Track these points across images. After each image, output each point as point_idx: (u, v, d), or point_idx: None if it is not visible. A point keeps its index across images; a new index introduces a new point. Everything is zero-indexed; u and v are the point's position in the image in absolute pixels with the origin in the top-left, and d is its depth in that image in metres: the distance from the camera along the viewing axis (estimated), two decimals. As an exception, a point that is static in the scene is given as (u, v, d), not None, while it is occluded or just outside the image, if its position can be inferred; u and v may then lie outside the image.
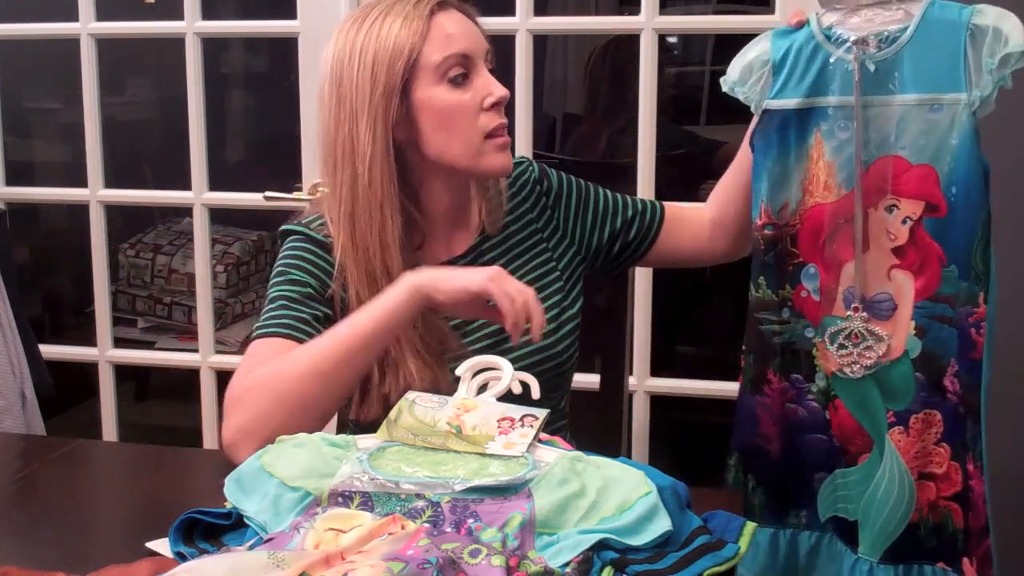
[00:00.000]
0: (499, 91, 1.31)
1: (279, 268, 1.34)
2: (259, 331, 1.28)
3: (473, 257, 1.39)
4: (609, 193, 1.50)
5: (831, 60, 1.30)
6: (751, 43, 1.37)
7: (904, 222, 1.28)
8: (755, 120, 1.35)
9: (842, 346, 1.30)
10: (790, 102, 1.32)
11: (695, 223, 1.50)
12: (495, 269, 1.22)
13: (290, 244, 1.35)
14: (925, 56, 1.25)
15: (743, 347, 1.36)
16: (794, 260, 1.34)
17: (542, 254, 1.43)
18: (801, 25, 1.33)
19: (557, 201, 1.46)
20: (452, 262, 1.38)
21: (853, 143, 1.28)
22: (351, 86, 1.29)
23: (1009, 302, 1.86)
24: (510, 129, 1.41)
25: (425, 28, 1.29)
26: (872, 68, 1.27)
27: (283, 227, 1.39)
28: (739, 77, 1.36)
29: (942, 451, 1.28)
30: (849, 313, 1.30)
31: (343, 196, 1.30)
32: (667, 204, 1.52)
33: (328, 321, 1.30)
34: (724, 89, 1.37)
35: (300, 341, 1.25)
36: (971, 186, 1.24)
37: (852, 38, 1.28)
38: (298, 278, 1.31)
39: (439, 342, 1.30)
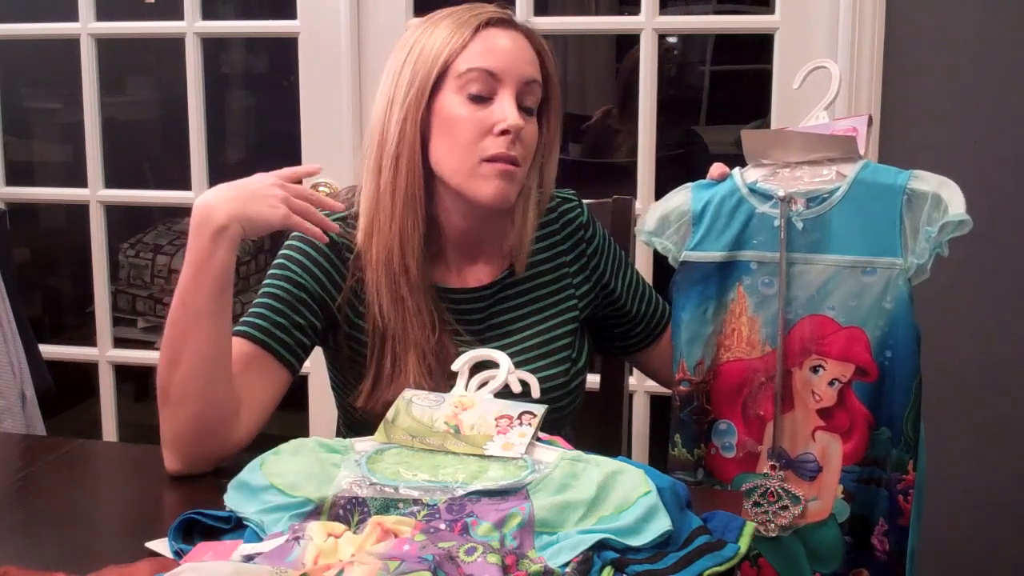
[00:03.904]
0: (512, 120, 1.24)
1: (282, 258, 1.32)
2: (239, 327, 1.27)
3: (498, 290, 1.36)
4: (640, 274, 1.48)
5: (755, 214, 1.27)
6: (671, 193, 1.34)
7: (832, 384, 1.25)
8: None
9: (757, 504, 1.27)
10: (711, 255, 1.29)
11: (669, 357, 1.47)
12: (276, 185, 1.18)
13: (301, 236, 1.32)
14: (857, 217, 1.23)
15: None
16: (707, 417, 1.30)
17: (566, 290, 1.40)
18: (724, 178, 1.30)
19: (596, 252, 1.42)
20: (474, 292, 1.35)
21: (778, 299, 1.25)
22: (392, 79, 1.29)
23: (1010, 302, 1.86)
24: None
25: (468, 38, 1.26)
26: (800, 225, 1.24)
27: None
28: (655, 227, 1.33)
29: None
30: (766, 471, 1.26)
31: (368, 183, 1.30)
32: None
33: (313, 331, 1.29)
34: (640, 239, 1.34)
35: (270, 349, 1.24)
36: (907, 352, 1.22)
37: (780, 194, 1.25)
38: (296, 277, 1.29)
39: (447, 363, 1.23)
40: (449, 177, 1.28)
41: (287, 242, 1.34)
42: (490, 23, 1.28)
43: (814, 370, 1.25)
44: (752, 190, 1.28)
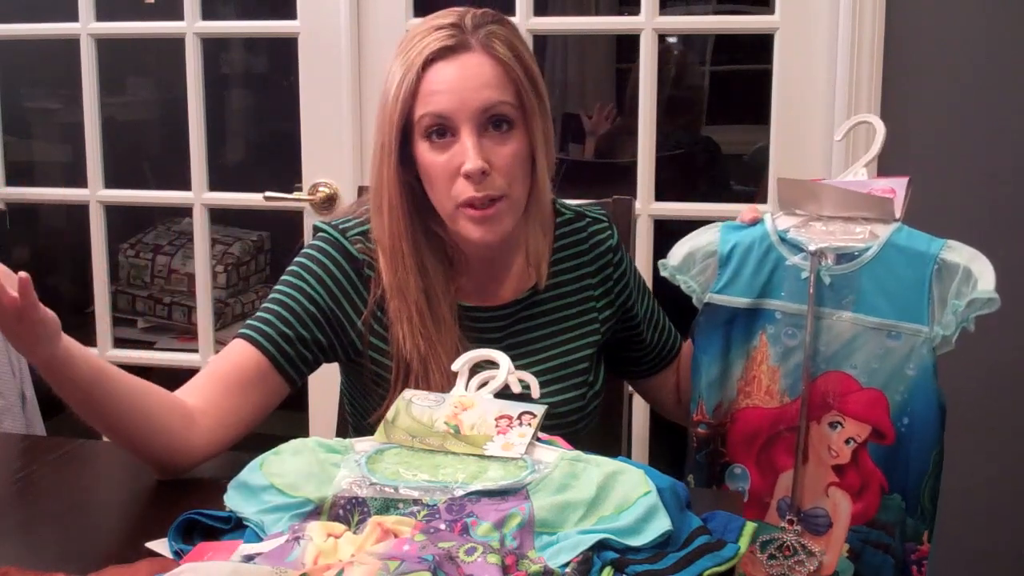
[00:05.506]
0: (471, 164, 1.19)
1: (298, 267, 1.30)
2: (244, 330, 1.27)
3: (520, 309, 1.34)
4: (657, 303, 1.48)
5: (785, 264, 1.26)
6: (698, 231, 1.32)
7: (848, 442, 1.24)
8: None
9: (773, 556, 1.26)
10: (737, 300, 1.27)
11: (672, 388, 1.50)
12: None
13: (320, 247, 1.31)
14: (886, 280, 1.21)
15: None
16: (721, 460, 1.30)
17: (589, 313, 1.38)
18: (755, 222, 1.29)
19: (622, 278, 1.41)
20: (495, 311, 1.33)
21: (800, 352, 1.24)
22: (376, 122, 1.28)
23: (1010, 302, 1.86)
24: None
25: (415, 82, 1.21)
26: (827, 280, 1.23)
27: (318, 223, 1.35)
28: (680, 264, 1.31)
29: None
30: (783, 525, 1.26)
31: (376, 217, 1.29)
32: (684, 346, 1.48)
33: (319, 347, 1.27)
34: (663, 274, 1.32)
35: (270, 357, 1.24)
36: (927, 420, 1.21)
37: (811, 248, 1.24)
38: (309, 290, 1.28)
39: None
40: (443, 218, 1.27)
41: (305, 249, 1.32)
42: (435, 58, 1.21)
43: (832, 426, 1.25)
44: (783, 239, 1.26)
